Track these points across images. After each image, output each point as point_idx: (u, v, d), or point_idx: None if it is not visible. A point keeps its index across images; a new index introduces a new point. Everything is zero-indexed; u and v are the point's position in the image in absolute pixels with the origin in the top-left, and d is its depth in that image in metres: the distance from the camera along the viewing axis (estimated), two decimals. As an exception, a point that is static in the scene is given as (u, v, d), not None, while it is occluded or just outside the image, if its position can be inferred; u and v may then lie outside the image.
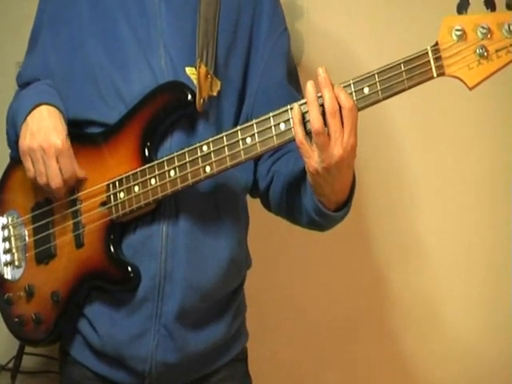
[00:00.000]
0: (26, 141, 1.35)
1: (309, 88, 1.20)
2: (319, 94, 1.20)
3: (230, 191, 1.41)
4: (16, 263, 1.44)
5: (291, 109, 1.23)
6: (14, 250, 1.45)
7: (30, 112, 1.36)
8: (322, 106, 1.19)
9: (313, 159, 1.20)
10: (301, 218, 1.37)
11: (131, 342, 1.34)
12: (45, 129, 1.34)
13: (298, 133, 1.20)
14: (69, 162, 1.34)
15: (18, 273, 1.44)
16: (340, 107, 1.17)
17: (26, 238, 1.44)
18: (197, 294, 1.35)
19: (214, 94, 1.37)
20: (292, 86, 1.48)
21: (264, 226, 1.61)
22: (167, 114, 1.35)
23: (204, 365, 1.41)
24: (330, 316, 1.92)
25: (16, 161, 1.46)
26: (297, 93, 1.48)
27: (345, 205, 1.28)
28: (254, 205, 1.51)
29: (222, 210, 1.39)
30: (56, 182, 1.34)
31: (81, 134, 1.41)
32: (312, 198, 1.27)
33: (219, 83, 1.38)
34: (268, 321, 1.90)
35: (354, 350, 1.93)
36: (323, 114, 1.19)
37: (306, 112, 1.21)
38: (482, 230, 1.85)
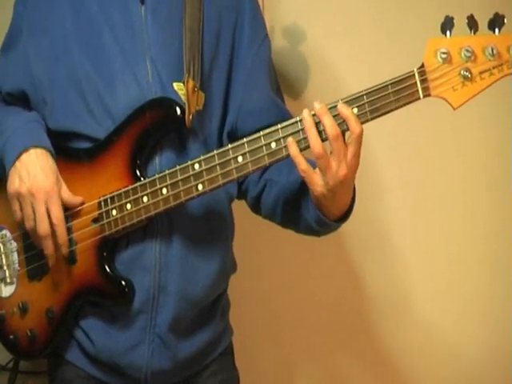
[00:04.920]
0: (14, 185, 1.35)
1: (305, 115, 1.23)
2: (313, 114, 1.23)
3: (219, 203, 1.43)
4: (8, 280, 1.45)
5: (281, 128, 1.25)
6: (4, 267, 1.45)
7: (18, 155, 1.36)
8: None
9: (318, 184, 1.23)
10: (297, 226, 1.41)
11: (127, 353, 1.37)
12: (34, 173, 1.34)
13: (300, 163, 1.23)
14: (57, 207, 1.34)
15: (11, 289, 1.45)
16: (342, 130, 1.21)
17: (17, 254, 1.45)
18: (188, 304, 1.39)
19: (200, 107, 1.39)
20: (274, 91, 1.51)
21: (248, 226, 1.63)
22: (156, 131, 1.36)
23: (195, 364, 1.45)
24: (313, 313, 1.98)
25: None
26: (278, 98, 1.51)
27: (345, 213, 1.32)
28: (238, 206, 1.54)
29: (212, 222, 1.42)
30: (44, 226, 1.33)
31: (69, 150, 1.42)
32: (315, 212, 1.31)
33: (203, 95, 1.40)
34: (253, 318, 1.95)
35: (334, 345, 1.98)
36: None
37: (302, 139, 1.24)
38: (460, 230, 1.93)
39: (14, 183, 1.35)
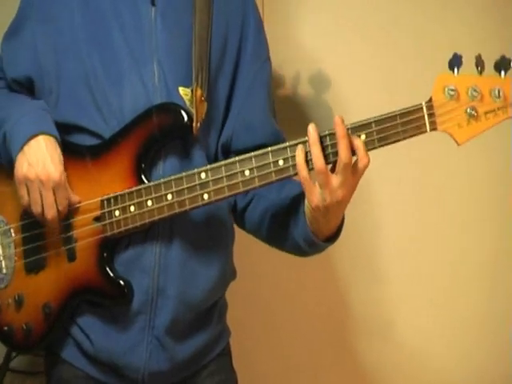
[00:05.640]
0: (23, 170, 1.36)
1: (311, 131, 1.26)
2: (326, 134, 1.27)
3: (219, 209, 1.46)
4: (4, 271, 1.46)
5: (290, 146, 1.29)
6: (1, 258, 1.46)
7: (27, 141, 1.36)
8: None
9: (316, 196, 1.27)
10: (283, 243, 1.44)
11: (125, 353, 1.39)
12: (42, 160, 1.35)
13: (303, 170, 1.26)
14: (65, 195, 1.37)
15: (6, 280, 1.46)
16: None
17: (15, 246, 1.45)
18: (187, 308, 1.41)
19: (203, 117, 1.41)
20: (271, 114, 1.54)
21: (246, 235, 1.66)
22: (163, 136, 1.37)
23: (192, 365, 1.48)
24: (308, 320, 2.04)
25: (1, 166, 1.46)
26: (274, 121, 1.54)
27: (333, 235, 1.36)
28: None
29: (212, 227, 1.45)
30: (52, 212, 1.36)
31: (73, 145, 1.42)
32: (304, 229, 1.35)
33: (206, 105, 1.42)
34: (250, 322, 2.00)
35: (325, 346, 2.04)
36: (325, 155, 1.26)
37: (308, 151, 1.27)
38: (452, 251, 1.98)
39: (23, 168, 1.36)
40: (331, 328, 2.02)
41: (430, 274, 1.98)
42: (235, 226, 1.55)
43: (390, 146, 1.66)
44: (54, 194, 1.36)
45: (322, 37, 1.90)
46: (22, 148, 1.37)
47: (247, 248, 1.65)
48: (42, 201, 1.36)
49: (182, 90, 1.41)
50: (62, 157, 1.39)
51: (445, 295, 1.97)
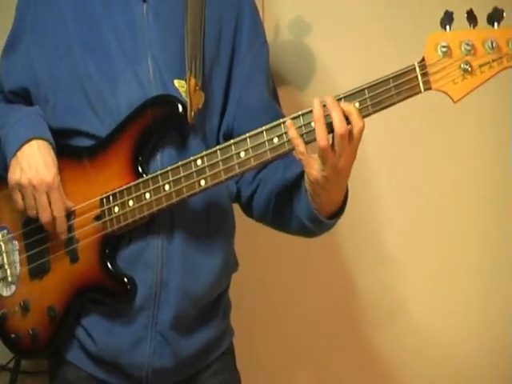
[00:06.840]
0: (15, 175, 1.36)
1: (315, 106, 1.23)
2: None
3: (219, 197, 1.44)
4: (9, 279, 1.45)
5: (284, 122, 1.26)
6: (6, 266, 1.45)
7: (20, 147, 1.37)
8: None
9: (314, 169, 1.24)
10: (289, 224, 1.41)
11: (128, 350, 1.37)
12: (35, 164, 1.35)
13: (299, 145, 1.24)
14: (59, 197, 1.36)
15: (12, 288, 1.44)
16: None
17: (19, 253, 1.44)
18: (190, 301, 1.39)
19: (200, 106, 1.40)
20: (271, 96, 1.52)
21: (249, 226, 1.63)
22: (158, 128, 1.36)
23: (196, 363, 1.44)
24: (312, 315, 1.99)
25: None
26: (276, 104, 1.52)
27: (336, 214, 1.33)
28: (239, 208, 1.54)
29: (213, 217, 1.42)
30: (46, 215, 1.36)
31: (70, 148, 1.42)
32: (307, 206, 1.32)
33: (203, 95, 1.41)
34: (253, 320, 1.95)
35: (329, 346, 2.00)
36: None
37: (302, 125, 1.25)
38: (456, 234, 1.95)
39: (15, 173, 1.36)
40: (337, 325, 1.98)
41: (433, 253, 1.95)
42: (237, 221, 1.52)
43: (392, 130, 1.64)
44: (48, 196, 1.35)
45: (321, 36, 1.91)
46: (15, 154, 1.38)
47: (248, 243, 1.63)
48: (36, 204, 1.36)
49: (177, 83, 1.40)
50: (55, 160, 1.38)
51: (454, 273, 1.95)
